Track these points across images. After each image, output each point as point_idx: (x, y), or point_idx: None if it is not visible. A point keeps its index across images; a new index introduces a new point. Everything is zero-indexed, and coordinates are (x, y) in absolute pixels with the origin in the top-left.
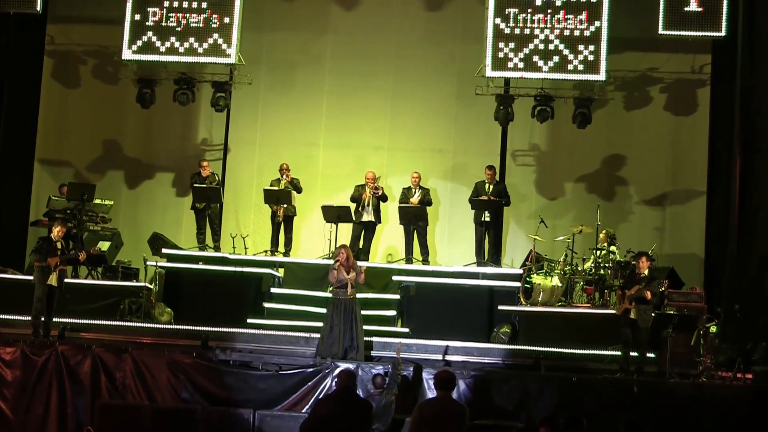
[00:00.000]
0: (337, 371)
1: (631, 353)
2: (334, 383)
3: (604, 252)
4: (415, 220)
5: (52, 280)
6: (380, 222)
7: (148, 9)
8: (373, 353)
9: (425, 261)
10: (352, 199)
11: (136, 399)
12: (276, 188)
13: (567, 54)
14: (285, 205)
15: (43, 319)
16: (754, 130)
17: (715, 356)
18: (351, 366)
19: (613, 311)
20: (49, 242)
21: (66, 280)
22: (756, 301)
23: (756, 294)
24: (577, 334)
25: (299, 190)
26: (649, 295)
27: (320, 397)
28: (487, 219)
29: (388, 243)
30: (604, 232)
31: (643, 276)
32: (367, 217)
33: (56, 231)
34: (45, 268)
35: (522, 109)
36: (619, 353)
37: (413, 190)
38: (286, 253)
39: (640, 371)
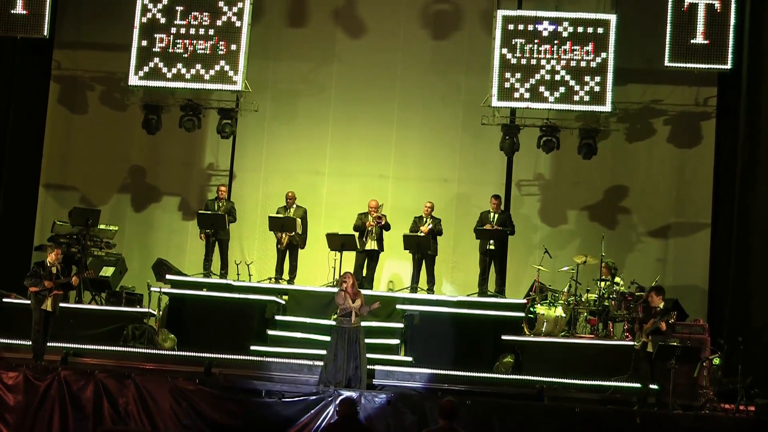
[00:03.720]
0: (338, 400)
1: (636, 384)
2: (335, 412)
3: (608, 283)
4: (420, 249)
5: (47, 305)
6: (383, 250)
7: (155, 35)
8: (376, 381)
9: (430, 290)
10: (355, 228)
11: (138, 425)
12: (281, 215)
13: (573, 85)
14: (292, 233)
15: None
16: (758, 162)
17: (718, 388)
18: (354, 394)
19: (618, 342)
20: (44, 267)
21: (70, 305)
22: (752, 333)
23: (754, 326)
24: (581, 364)
25: (304, 222)
26: (663, 326)
27: (323, 425)
28: (492, 248)
29: (391, 271)
30: (604, 264)
31: (658, 309)
32: (371, 245)
33: (51, 256)
34: (40, 293)
35: (527, 138)
36: (622, 384)
37: (424, 219)
38: (291, 281)
39: (644, 403)
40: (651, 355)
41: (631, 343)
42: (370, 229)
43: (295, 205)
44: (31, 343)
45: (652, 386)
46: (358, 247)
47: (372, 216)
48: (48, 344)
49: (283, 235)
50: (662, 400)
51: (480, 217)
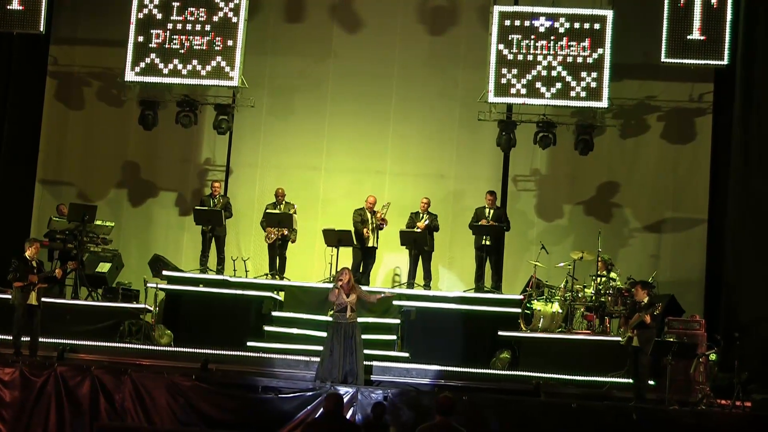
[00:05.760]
0: (325, 395)
1: (632, 380)
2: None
3: (604, 279)
4: (417, 245)
5: (32, 299)
6: (377, 247)
7: (152, 31)
8: (373, 377)
9: (427, 286)
10: (355, 225)
11: (134, 421)
12: (277, 211)
13: (569, 81)
14: (286, 231)
15: (28, 338)
16: (752, 157)
17: (715, 384)
18: (349, 390)
19: (614, 338)
20: (25, 262)
21: (67, 301)
22: (748, 328)
23: (750, 321)
24: (578, 360)
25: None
26: (648, 318)
27: (308, 421)
28: (487, 243)
29: (388, 267)
30: (600, 259)
31: (643, 304)
32: (368, 242)
33: (31, 250)
34: (25, 288)
35: (524, 134)
36: (618, 380)
37: (421, 215)
38: (281, 276)
39: (639, 398)
40: (637, 350)
41: None
42: (369, 229)
43: (284, 202)
44: (12, 338)
45: (645, 382)
46: (355, 243)
47: (376, 218)
48: (44, 340)
49: (275, 231)
50: (643, 395)
51: (475, 213)
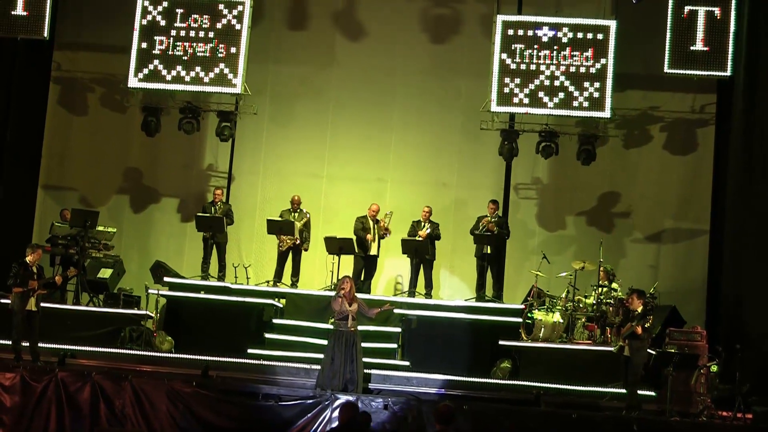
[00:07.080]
0: (338, 403)
1: (625, 389)
2: (335, 416)
3: (605, 289)
4: (418, 253)
5: (31, 304)
6: (379, 254)
7: (155, 37)
8: (372, 386)
9: (428, 295)
10: (356, 234)
11: (134, 427)
12: (280, 218)
13: (572, 90)
14: (298, 240)
15: (27, 344)
16: (753, 169)
17: (716, 395)
18: (351, 398)
19: (612, 348)
20: (25, 267)
21: (68, 307)
22: (749, 340)
23: (751, 333)
24: (578, 370)
25: (308, 226)
26: (639, 330)
27: (320, 430)
28: (489, 252)
29: (389, 276)
30: (602, 269)
31: (637, 313)
32: (370, 250)
33: (32, 256)
34: (25, 293)
35: (526, 143)
36: (618, 390)
37: (423, 224)
38: (294, 285)
39: (630, 408)
40: (629, 360)
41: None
42: (373, 237)
43: (299, 209)
44: (11, 343)
45: (636, 391)
46: (357, 251)
47: (381, 227)
48: (45, 345)
49: (286, 238)
50: (635, 405)
51: (477, 221)
